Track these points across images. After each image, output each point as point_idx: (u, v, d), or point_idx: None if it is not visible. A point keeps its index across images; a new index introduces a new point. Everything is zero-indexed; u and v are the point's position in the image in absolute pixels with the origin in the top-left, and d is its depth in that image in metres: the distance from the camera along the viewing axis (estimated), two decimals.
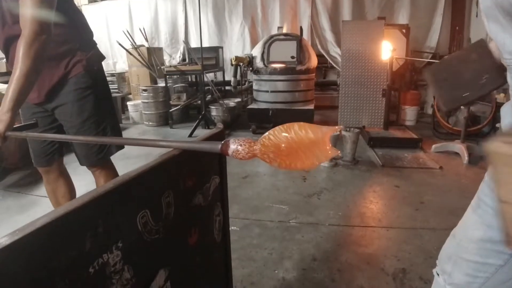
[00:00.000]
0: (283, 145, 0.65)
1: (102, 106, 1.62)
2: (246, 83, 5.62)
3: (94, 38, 1.68)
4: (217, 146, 0.73)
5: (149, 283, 0.73)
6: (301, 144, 0.65)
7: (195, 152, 0.81)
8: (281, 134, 0.65)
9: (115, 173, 1.73)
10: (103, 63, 1.71)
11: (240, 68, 4.81)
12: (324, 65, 6.27)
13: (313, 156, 0.65)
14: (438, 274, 0.88)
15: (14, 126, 1.22)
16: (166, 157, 0.75)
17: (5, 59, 1.47)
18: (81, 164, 1.69)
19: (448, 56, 0.75)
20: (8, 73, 3.87)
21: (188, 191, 0.85)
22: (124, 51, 5.93)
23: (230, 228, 2.20)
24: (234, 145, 0.70)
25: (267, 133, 0.66)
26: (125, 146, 1.67)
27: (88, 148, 1.63)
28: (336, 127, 0.65)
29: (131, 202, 0.66)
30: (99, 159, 1.65)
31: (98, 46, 1.69)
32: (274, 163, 0.65)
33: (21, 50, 1.17)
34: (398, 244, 2.03)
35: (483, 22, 0.64)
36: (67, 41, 1.49)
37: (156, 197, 0.73)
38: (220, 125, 0.98)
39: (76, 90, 1.54)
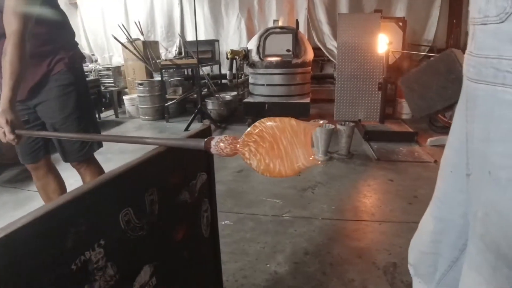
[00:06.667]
0: (265, 133, 0.66)
1: (83, 102, 1.64)
2: (242, 76, 5.60)
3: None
4: (200, 143, 0.74)
5: (134, 279, 0.74)
6: (283, 133, 0.65)
7: (180, 149, 0.82)
8: (266, 121, 0.67)
9: (100, 170, 1.74)
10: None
11: (236, 61, 4.79)
12: (320, 58, 6.26)
13: (294, 156, 0.65)
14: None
15: None
16: (149, 155, 0.76)
17: None
18: (64, 160, 1.70)
19: (419, 67, 0.79)
20: None
21: (173, 188, 0.86)
22: (120, 44, 5.90)
23: (223, 222, 2.22)
24: (216, 141, 0.71)
25: (256, 123, 0.68)
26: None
27: (70, 144, 1.64)
28: (321, 121, 0.66)
29: (113, 200, 0.67)
30: (80, 156, 1.67)
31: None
32: (254, 162, 0.65)
33: (8, 49, 1.19)
34: (390, 238, 2.05)
35: None
36: (51, 40, 1.51)
37: (139, 195, 0.74)
38: (206, 122, 0.98)
39: (58, 87, 1.55)
